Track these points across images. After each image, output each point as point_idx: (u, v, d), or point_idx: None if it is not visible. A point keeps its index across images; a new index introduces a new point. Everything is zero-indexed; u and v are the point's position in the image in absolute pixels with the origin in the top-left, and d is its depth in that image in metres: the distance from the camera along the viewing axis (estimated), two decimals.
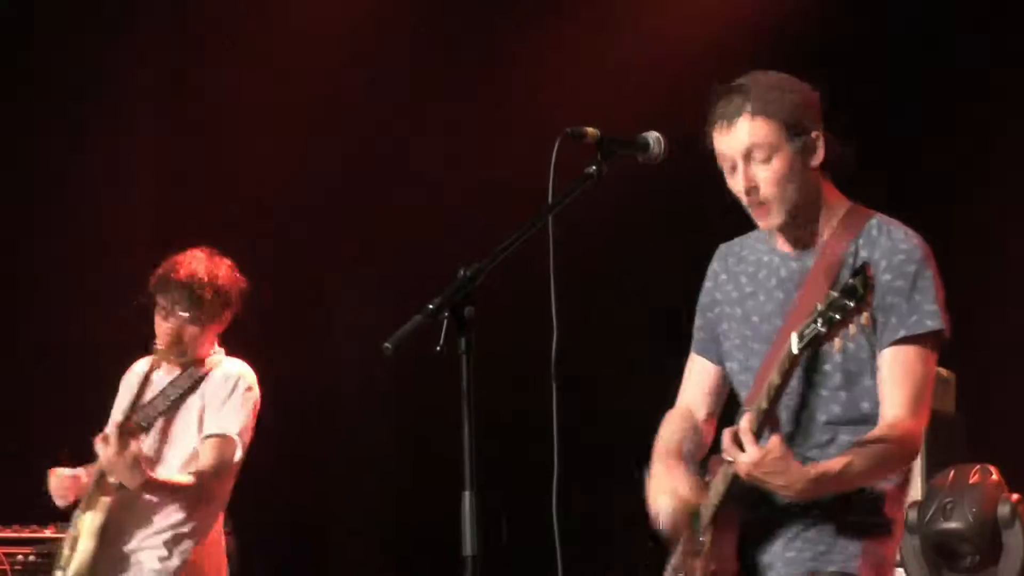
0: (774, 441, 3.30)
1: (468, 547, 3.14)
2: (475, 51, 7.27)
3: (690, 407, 3.74)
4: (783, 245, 3.58)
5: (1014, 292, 5.50)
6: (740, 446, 3.30)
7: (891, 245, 3.45)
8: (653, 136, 3.49)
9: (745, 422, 3.32)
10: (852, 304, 3.15)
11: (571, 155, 3.42)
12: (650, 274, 7.15)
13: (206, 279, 5.26)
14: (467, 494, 3.15)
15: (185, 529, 5.28)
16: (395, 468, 7.53)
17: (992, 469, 4.00)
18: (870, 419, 3.44)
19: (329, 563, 7.74)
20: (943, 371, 7.05)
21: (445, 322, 3.18)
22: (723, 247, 3.75)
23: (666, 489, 3.54)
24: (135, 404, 5.25)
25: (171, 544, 5.26)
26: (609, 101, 6.61)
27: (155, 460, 5.27)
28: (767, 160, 3.43)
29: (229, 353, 5.44)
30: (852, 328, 3.19)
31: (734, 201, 3.53)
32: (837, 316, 3.17)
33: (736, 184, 3.49)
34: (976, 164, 6.72)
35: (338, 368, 7.71)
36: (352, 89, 7.29)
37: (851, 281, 3.18)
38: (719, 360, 3.71)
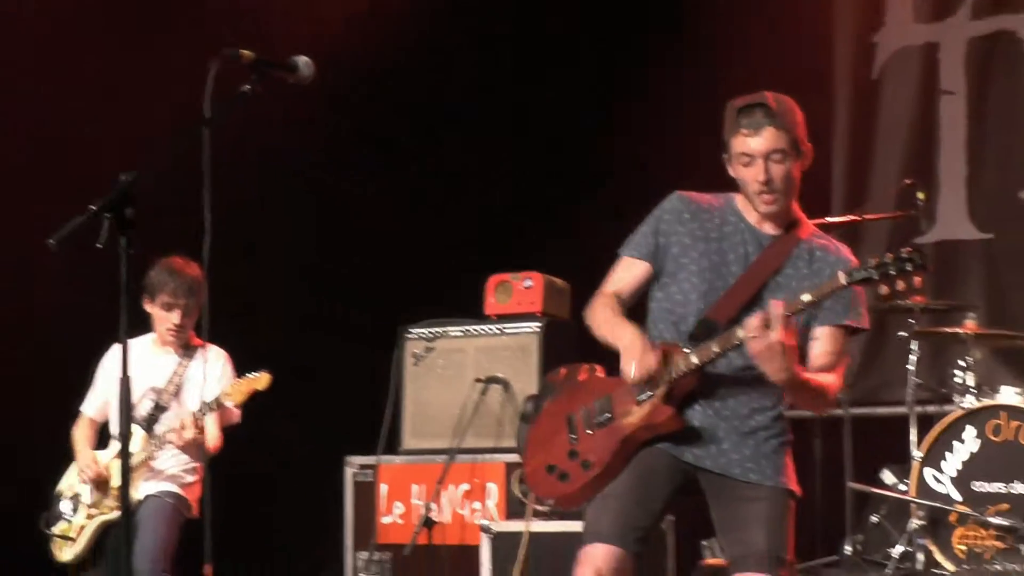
0: (792, 335, 4.11)
1: None
2: None
3: (617, 294, 4.51)
4: (755, 220, 4.46)
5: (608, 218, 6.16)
6: (768, 326, 4.06)
7: (842, 256, 4.41)
8: (303, 60, 4.10)
9: (780, 308, 4.09)
10: (910, 270, 4.03)
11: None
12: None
13: (199, 277, 6.36)
14: None
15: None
16: None
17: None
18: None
19: None
20: (558, 281, 7.71)
21: (107, 222, 3.66)
22: (682, 196, 4.54)
23: (643, 345, 4.29)
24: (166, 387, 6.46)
25: None
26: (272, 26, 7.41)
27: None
28: (781, 162, 4.36)
29: None
30: (899, 286, 4.06)
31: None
32: (891, 272, 4.05)
33: (755, 175, 4.36)
34: None
35: None
36: None
37: (914, 256, 4.04)
38: (654, 265, 4.50)
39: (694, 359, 4.33)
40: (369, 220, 8.90)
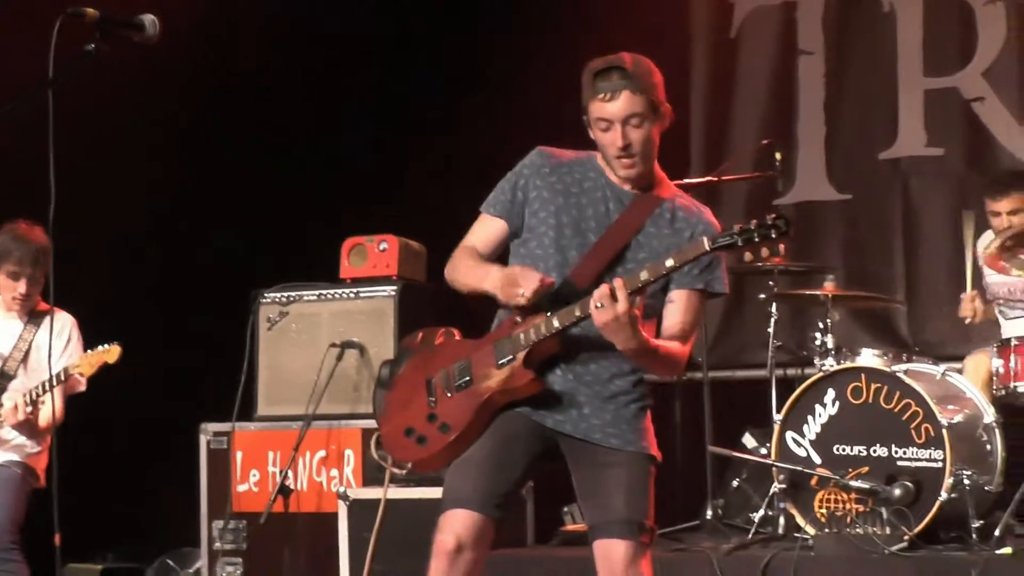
0: (638, 304, 4.15)
1: None
2: None
3: (474, 247, 4.54)
4: (615, 180, 4.49)
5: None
6: (614, 296, 4.08)
7: (703, 218, 4.46)
8: (148, 19, 4.00)
9: (621, 281, 4.11)
10: (775, 236, 4.05)
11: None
12: None
13: (45, 244, 6.32)
14: None
15: None
16: None
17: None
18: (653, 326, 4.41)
19: None
20: (414, 244, 7.74)
21: None
22: (543, 151, 4.57)
23: (518, 268, 4.35)
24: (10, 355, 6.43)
25: None
26: None
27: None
28: (639, 126, 4.37)
29: None
30: (763, 253, 4.11)
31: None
32: (756, 238, 4.06)
33: (613, 139, 4.37)
34: None
35: None
36: None
37: (779, 222, 4.05)
38: (510, 223, 4.52)
39: (555, 322, 4.33)
40: (221, 184, 8.86)
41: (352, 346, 7.37)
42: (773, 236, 4.07)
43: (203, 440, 7.50)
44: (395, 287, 7.45)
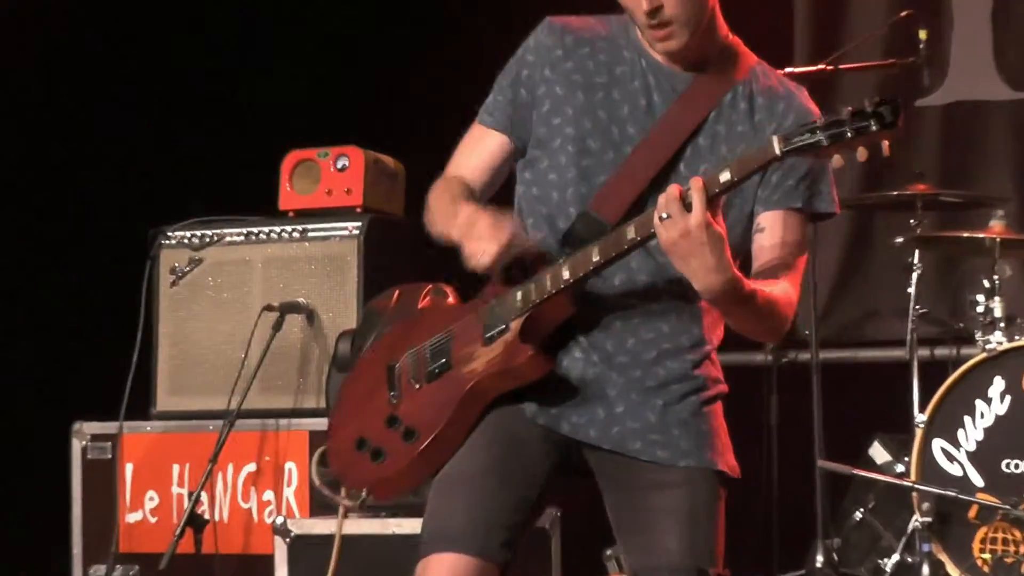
0: (720, 219, 4.11)
1: None
2: None
3: (462, 176, 4.58)
4: (660, 58, 4.46)
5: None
6: (686, 205, 4.03)
7: (796, 102, 4.43)
8: None
9: (700, 181, 4.04)
10: (876, 128, 3.92)
11: None
12: None
13: None
14: None
15: None
16: None
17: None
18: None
19: None
20: (387, 160, 7.82)
21: None
22: (554, 24, 4.55)
23: (489, 216, 4.33)
24: None
25: None
26: None
27: None
28: None
29: None
30: (860, 154, 3.97)
31: None
32: (849, 134, 3.95)
33: (638, 4, 4.32)
34: None
35: None
36: None
37: (878, 107, 3.92)
38: (514, 137, 4.56)
39: (565, 272, 4.30)
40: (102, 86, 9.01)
41: (296, 309, 7.37)
42: (874, 128, 3.95)
43: (76, 447, 7.49)
44: (359, 223, 7.44)
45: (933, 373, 7.18)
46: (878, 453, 7.50)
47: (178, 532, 6.93)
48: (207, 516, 7.10)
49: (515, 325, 4.34)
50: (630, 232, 4.18)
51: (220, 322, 7.52)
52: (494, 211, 4.39)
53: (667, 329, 4.42)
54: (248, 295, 7.50)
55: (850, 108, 3.96)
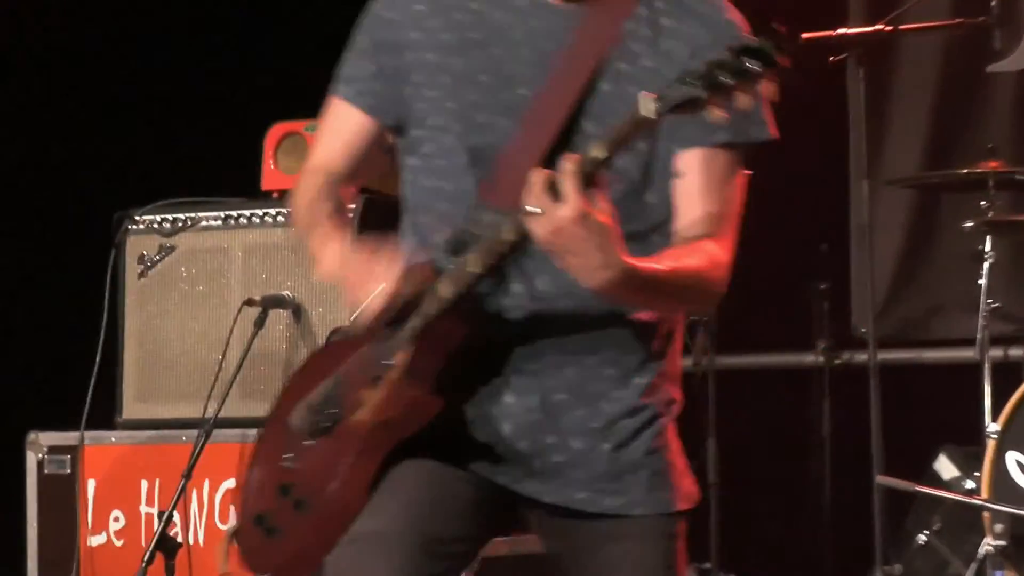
0: (604, 203, 3.78)
1: None
2: None
3: (327, 166, 4.40)
4: None
5: None
6: (556, 194, 3.74)
7: (714, 15, 4.13)
8: None
9: (572, 164, 3.74)
10: (756, 68, 3.64)
11: None
12: None
13: None
14: None
15: None
16: None
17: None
18: (659, 229, 4.14)
19: None
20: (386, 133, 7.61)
21: None
22: None
23: (370, 275, 4.08)
24: None
25: None
26: None
27: None
28: None
29: None
30: (743, 100, 3.67)
31: None
32: (729, 80, 3.64)
33: None
34: None
35: None
36: None
37: (754, 42, 3.65)
38: (383, 115, 4.30)
39: (445, 289, 4.05)
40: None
41: (281, 304, 7.29)
42: (753, 69, 3.68)
43: (31, 460, 7.50)
44: (353, 205, 7.26)
45: (1007, 376, 7.22)
46: (944, 468, 7.58)
47: (146, 557, 6.90)
48: (180, 539, 7.07)
49: (399, 359, 4.09)
50: (506, 233, 3.92)
51: (194, 319, 7.48)
52: (371, 245, 4.17)
53: (612, 350, 4.19)
54: (226, 288, 7.44)
55: (730, 45, 3.69)
